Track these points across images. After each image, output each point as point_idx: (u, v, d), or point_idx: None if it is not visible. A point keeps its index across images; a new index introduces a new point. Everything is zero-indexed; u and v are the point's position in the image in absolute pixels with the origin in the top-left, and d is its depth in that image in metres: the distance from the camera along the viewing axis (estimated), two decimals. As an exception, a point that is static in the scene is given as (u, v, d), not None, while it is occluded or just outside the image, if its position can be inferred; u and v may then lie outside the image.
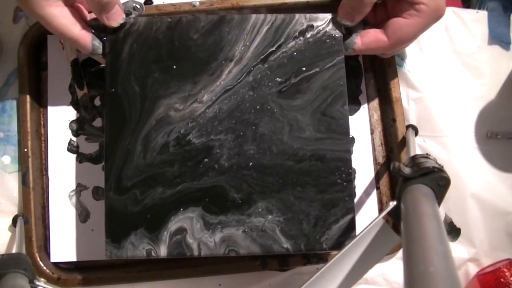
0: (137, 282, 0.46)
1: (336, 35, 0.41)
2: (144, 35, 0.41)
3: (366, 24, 0.43)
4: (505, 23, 0.49)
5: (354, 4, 0.39)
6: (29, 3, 0.37)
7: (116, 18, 0.39)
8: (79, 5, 0.41)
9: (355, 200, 0.47)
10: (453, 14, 0.49)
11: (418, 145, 0.48)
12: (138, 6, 0.42)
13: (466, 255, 0.47)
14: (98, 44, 0.41)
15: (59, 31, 0.38)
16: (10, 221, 0.47)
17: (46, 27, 0.39)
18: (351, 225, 0.40)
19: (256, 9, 0.46)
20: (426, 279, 0.23)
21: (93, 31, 0.41)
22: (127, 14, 0.41)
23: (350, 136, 0.47)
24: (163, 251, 0.39)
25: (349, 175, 0.40)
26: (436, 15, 0.40)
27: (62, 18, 0.38)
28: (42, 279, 0.44)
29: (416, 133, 0.48)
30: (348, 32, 0.42)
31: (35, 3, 0.37)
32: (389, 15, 0.41)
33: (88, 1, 0.39)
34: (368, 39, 0.41)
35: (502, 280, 0.43)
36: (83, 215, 0.47)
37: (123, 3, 0.41)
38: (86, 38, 0.40)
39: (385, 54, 0.45)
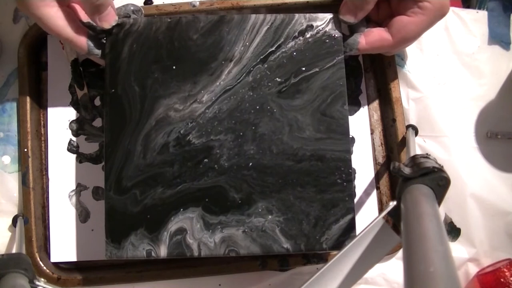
0: (137, 282, 0.46)
1: (336, 35, 0.41)
2: (144, 35, 0.41)
3: (369, 21, 0.43)
4: (505, 23, 0.49)
5: (357, 1, 0.39)
6: (25, 3, 0.37)
7: (108, 20, 0.39)
8: (76, 5, 0.41)
9: (355, 200, 0.47)
10: (453, 14, 0.49)
11: (418, 145, 0.48)
12: (137, 10, 0.41)
13: (466, 255, 0.47)
14: (93, 44, 0.41)
15: (55, 31, 0.39)
16: (10, 221, 0.47)
17: (42, 28, 0.39)
18: (351, 225, 0.40)
19: (256, 9, 0.46)
20: (426, 279, 0.23)
21: (90, 32, 0.41)
22: (126, 16, 0.41)
23: (350, 136, 0.47)
24: (163, 252, 0.39)
25: (349, 175, 0.40)
26: (441, 13, 0.39)
27: (58, 19, 0.38)
28: (42, 279, 0.44)
29: (416, 133, 0.48)
30: (351, 31, 0.42)
31: (31, 4, 0.37)
32: (393, 13, 0.41)
33: (81, 2, 0.39)
34: (372, 38, 0.41)
35: (502, 280, 0.43)
36: (83, 215, 0.47)
37: (123, 6, 0.41)
38: (81, 38, 0.40)
39: (388, 52, 0.45)
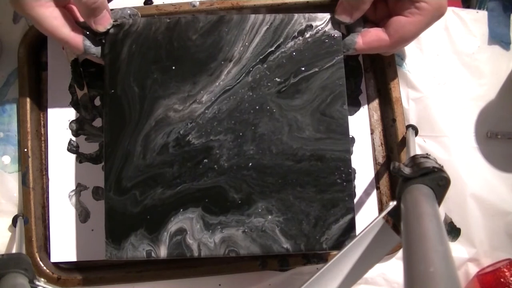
0: (137, 282, 0.46)
1: (335, 35, 0.41)
2: (143, 35, 0.41)
3: (366, 21, 0.43)
4: (505, 23, 0.49)
5: (352, 1, 0.39)
6: (20, 3, 0.36)
7: (103, 23, 0.39)
8: (73, 6, 0.41)
9: (355, 200, 0.47)
10: (453, 14, 0.48)
11: (418, 145, 0.48)
12: (134, 14, 0.41)
13: (466, 255, 0.47)
14: (89, 44, 0.40)
15: (50, 32, 0.38)
16: (10, 221, 0.47)
17: (37, 28, 0.39)
18: (351, 225, 0.40)
19: (256, 9, 0.46)
20: (426, 279, 0.22)
21: (87, 32, 0.41)
22: (123, 18, 0.41)
23: (350, 136, 0.47)
24: (163, 252, 0.39)
25: (349, 175, 0.40)
26: (438, 13, 0.39)
27: (53, 19, 0.38)
28: (42, 279, 0.44)
29: (416, 133, 0.48)
30: (348, 31, 0.42)
31: (25, 4, 0.36)
32: (390, 13, 0.41)
33: (77, 5, 0.38)
34: (369, 38, 0.41)
35: (502, 280, 0.43)
36: (83, 215, 0.47)
37: (120, 10, 0.41)
38: (77, 38, 0.40)
39: (386, 52, 0.45)
